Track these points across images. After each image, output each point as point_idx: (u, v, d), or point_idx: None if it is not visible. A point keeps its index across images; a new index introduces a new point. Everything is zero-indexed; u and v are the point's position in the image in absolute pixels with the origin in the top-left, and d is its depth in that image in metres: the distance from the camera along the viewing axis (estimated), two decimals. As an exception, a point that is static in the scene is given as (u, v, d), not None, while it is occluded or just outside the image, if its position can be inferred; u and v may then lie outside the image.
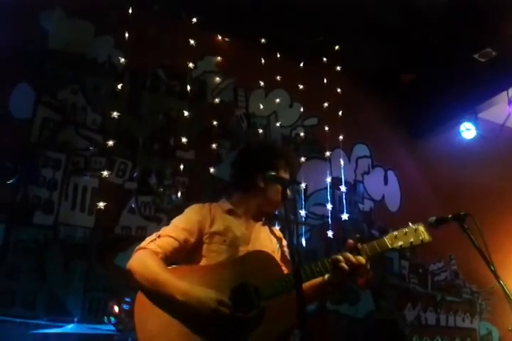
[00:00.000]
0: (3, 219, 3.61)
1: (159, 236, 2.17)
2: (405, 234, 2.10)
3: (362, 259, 2.01)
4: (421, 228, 2.12)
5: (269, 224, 2.48)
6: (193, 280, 2.02)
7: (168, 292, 1.95)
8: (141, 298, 2.04)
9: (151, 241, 2.15)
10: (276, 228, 2.53)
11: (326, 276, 2.09)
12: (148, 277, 2.00)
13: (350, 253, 2.04)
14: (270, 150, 2.49)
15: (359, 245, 2.07)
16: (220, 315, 1.91)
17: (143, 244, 2.15)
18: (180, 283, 1.98)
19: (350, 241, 2.10)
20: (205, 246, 2.20)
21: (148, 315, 1.99)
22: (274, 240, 2.39)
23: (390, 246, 2.07)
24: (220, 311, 1.91)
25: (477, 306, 5.61)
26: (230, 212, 2.34)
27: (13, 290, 3.48)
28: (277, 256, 2.31)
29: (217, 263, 2.14)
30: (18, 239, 3.62)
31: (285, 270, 2.19)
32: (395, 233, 2.11)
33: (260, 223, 2.40)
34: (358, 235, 2.08)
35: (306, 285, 2.00)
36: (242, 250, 2.21)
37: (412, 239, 2.09)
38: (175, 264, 2.18)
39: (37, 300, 3.52)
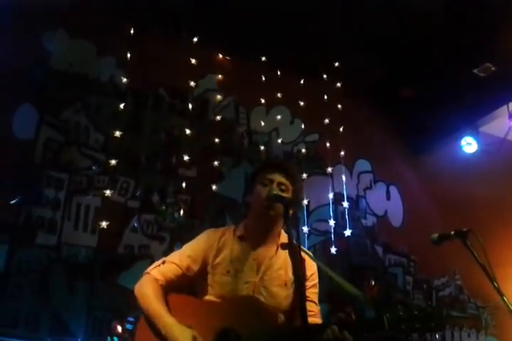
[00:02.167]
0: (6, 239, 3.61)
1: (164, 262, 2.24)
2: (415, 317, 1.83)
3: (348, 337, 1.89)
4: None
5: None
6: (183, 313, 2.05)
7: (155, 323, 2.03)
8: (143, 319, 2.13)
9: (156, 266, 2.23)
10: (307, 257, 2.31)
11: None
12: (143, 305, 2.12)
13: (340, 326, 1.92)
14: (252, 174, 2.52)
15: (350, 318, 2.04)
16: None
17: (148, 268, 2.24)
18: (166, 317, 2.03)
19: (341, 314, 2.07)
20: (209, 276, 2.22)
21: (146, 336, 2.05)
22: (291, 271, 2.23)
23: (387, 327, 1.85)
24: None
25: (482, 321, 5.55)
26: (240, 238, 2.30)
27: (16, 311, 3.46)
28: (289, 289, 2.22)
29: (211, 301, 2.16)
30: (22, 260, 3.61)
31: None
32: (401, 313, 1.84)
33: (276, 248, 2.28)
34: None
35: None
36: (250, 281, 2.19)
37: (418, 325, 1.84)
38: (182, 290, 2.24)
39: (40, 320, 3.50)
